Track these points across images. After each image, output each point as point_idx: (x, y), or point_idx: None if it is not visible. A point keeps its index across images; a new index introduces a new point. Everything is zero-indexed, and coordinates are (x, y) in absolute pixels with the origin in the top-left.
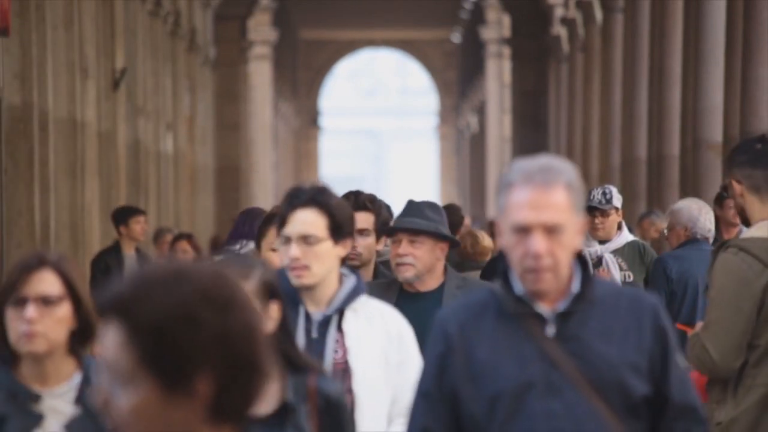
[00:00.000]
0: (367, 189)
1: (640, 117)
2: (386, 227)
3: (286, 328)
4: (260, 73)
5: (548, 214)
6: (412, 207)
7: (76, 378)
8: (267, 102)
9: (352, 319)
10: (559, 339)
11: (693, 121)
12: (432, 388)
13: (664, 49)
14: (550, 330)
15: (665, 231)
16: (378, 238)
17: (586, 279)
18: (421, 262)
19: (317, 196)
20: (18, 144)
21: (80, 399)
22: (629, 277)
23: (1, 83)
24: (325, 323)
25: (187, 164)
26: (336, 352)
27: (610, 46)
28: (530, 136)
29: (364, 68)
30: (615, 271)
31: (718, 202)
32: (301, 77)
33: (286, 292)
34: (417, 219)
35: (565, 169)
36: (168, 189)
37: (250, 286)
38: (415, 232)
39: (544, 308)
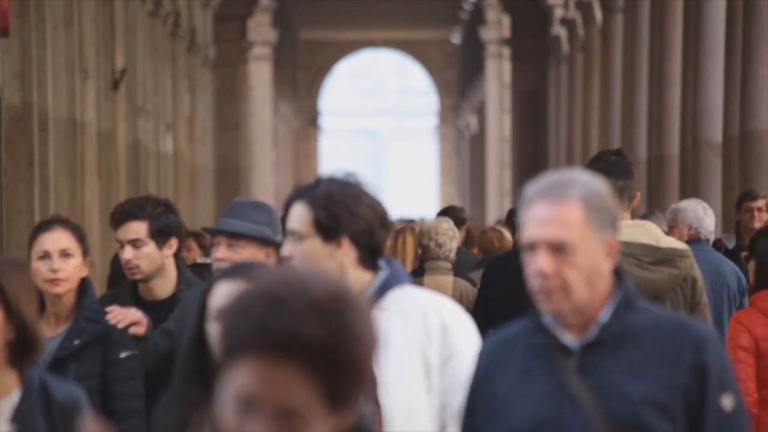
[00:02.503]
0: (367, 189)
1: (639, 117)
2: (208, 229)
3: None
4: (260, 74)
5: (554, 230)
6: (234, 207)
7: (15, 395)
8: (267, 102)
9: (381, 319)
10: (582, 372)
11: (693, 121)
12: (464, 420)
13: (664, 49)
14: (573, 362)
15: (665, 229)
16: (162, 245)
17: (622, 306)
18: None
19: (304, 191)
20: (18, 144)
21: (17, 418)
22: None
23: (0, 83)
24: None
25: (187, 164)
26: None
27: (609, 47)
28: (530, 137)
29: (364, 68)
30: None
31: (739, 206)
32: (300, 77)
33: None
34: (237, 220)
35: (586, 183)
36: (168, 189)
37: None
38: (233, 236)
39: (570, 338)
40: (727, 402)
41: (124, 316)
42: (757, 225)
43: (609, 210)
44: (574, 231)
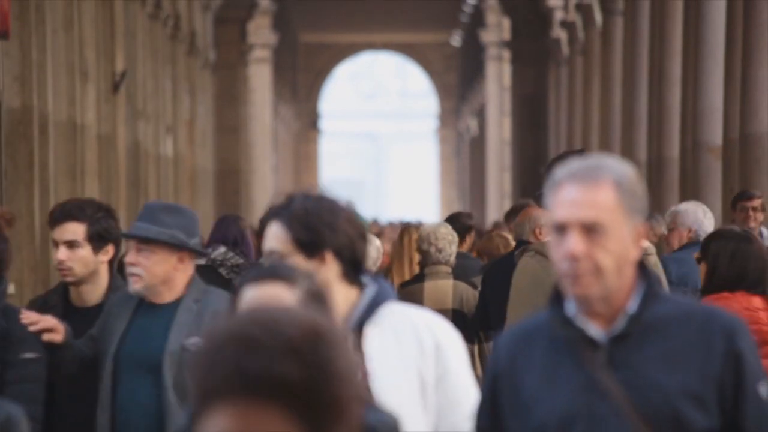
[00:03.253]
0: (367, 192)
1: (639, 119)
2: (123, 234)
3: None
4: (260, 76)
5: (587, 211)
6: (145, 211)
7: None
8: (267, 105)
9: (374, 336)
10: (611, 365)
11: (693, 123)
12: (484, 418)
13: (664, 51)
14: (602, 355)
15: (665, 231)
16: (98, 250)
17: (648, 297)
18: (151, 272)
19: (278, 210)
20: (18, 146)
21: None
22: None
23: (0, 86)
24: None
25: (187, 167)
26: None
27: (609, 49)
28: (530, 139)
29: (364, 71)
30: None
31: (734, 205)
32: (300, 80)
33: None
34: (148, 224)
35: (617, 168)
36: (168, 192)
37: (294, 296)
38: (143, 240)
39: (596, 330)
40: (763, 389)
41: (37, 320)
42: (753, 225)
43: (640, 196)
44: (607, 213)
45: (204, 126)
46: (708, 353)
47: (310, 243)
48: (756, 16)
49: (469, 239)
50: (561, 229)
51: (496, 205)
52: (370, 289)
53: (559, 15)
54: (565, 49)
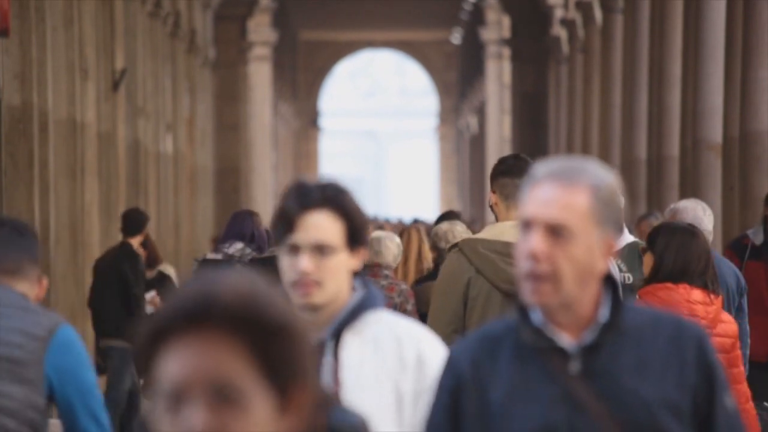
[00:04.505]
0: (367, 190)
1: (639, 118)
2: None
3: None
4: (260, 74)
5: (555, 211)
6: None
7: None
8: (267, 103)
9: (352, 344)
10: (586, 376)
11: (693, 121)
12: (441, 430)
13: (664, 49)
14: (575, 366)
15: None
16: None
17: (616, 306)
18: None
19: (333, 195)
20: (18, 144)
21: None
22: (629, 278)
23: (1, 84)
24: (318, 351)
25: (187, 165)
26: (331, 386)
27: (609, 47)
28: (530, 137)
29: (364, 69)
30: (614, 273)
31: None
32: (300, 78)
33: None
34: None
35: (598, 174)
36: (168, 190)
37: None
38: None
39: (567, 340)
40: (729, 400)
41: None
42: None
43: (616, 208)
44: (577, 218)
45: (204, 124)
46: (682, 363)
47: (359, 238)
48: (756, 15)
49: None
50: (527, 226)
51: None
52: (357, 294)
53: (559, 13)
54: (565, 47)
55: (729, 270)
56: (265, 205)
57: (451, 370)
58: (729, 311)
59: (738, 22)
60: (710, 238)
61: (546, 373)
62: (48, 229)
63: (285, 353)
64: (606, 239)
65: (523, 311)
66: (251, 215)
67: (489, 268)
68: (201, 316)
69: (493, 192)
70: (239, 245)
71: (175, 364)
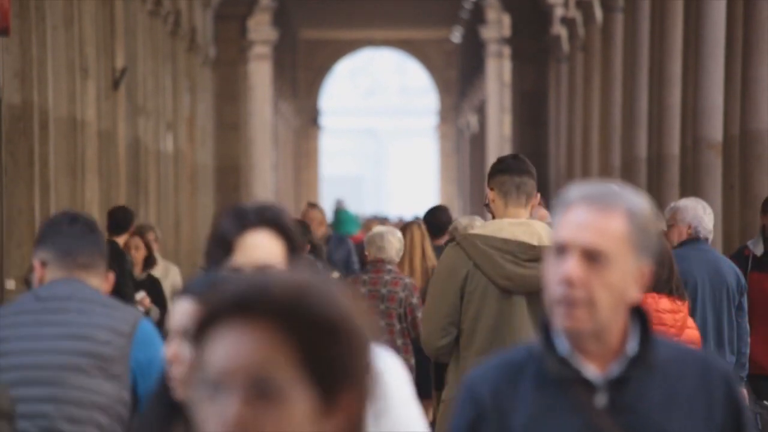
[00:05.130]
0: (367, 188)
1: (640, 116)
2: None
3: None
4: (260, 73)
5: (592, 236)
6: None
7: None
8: (267, 101)
9: None
10: (612, 410)
11: (693, 120)
12: None
13: (664, 48)
14: (601, 399)
15: (665, 227)
16: None
17: (645, 339)
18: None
19: (271, 216)
20: (18, 143)
21: None
22: None
23: (1, 82)
24: None
25: (187, 164)
26: None
27: (610, 46)
28: (530, 136)
29: (364, 68)
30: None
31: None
32: (301, 77)
33: None
34: None
35: (633, 200)
36: (168, 188)
37: None
38: None
39: (593, 372)
40: None
41: None
42: None
43: (651, 235)
44: (614, 243)
45: (204, 123)
46: (710, 402)
47: (297, 257)
48: (756, 13)
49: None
50: (561, 250)
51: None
52: None
53: (559, 12)
54: (565, 46)
55: (729, 269)
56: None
57: (470, 397)
58: (730, 310)
59: (738, 20)
60: (710, 237)
61: (570, 404)
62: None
63: (333, 353)
64: (640, 267)
65: (548, 338)
66: None
67: (487, 263)
68: (250, 307)
69: (491, 189)
70: None
71: (219, 351)
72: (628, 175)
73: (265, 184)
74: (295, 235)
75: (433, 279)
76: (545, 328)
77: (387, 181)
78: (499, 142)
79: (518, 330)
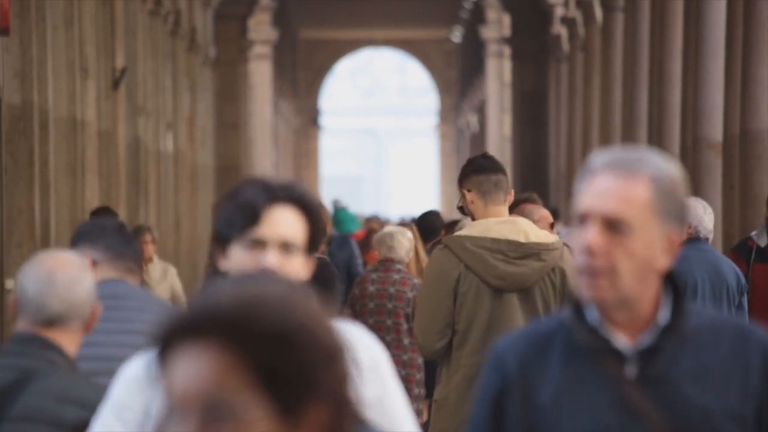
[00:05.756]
0: (368, 188)
1: (640, 116)
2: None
3: None
4: (260, 73)
5: (613, 204)
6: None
7: None
8: (267, 101)
9: None
10: (642, 381)
11: (693, 120)
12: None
13: (664, 48)
14: (631, 370)
15: None
16: None
17: (678, 308)
18: None
19: (300, 195)
20: (18, 143)
21: None
22: None
23: (1, 82)
24: None
25: (187, 163)
26: None
27: (610, 46)
28: (530, 136)
29: (364, 68)
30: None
31: None
32: (301, 76)
33: None
34: None
35: (660, 164)
36: (168, 188)
37: None
38: None
39: (624, 342)
40: None
41: None
42: None
43: (679, 201)
44: (636, 211)
45: (204, 122)
46: (747, 371)
47: (315, 246)
48: (756, 13)
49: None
50: (583, 219)
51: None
52: None
53: (559, 11)
54: (565, 46)
55: (729, 269)
56: None
57: (496, 368)
58: (729, 310)
59: (738, 20)
60: (711, 237)
61: (599, 375)
62: (48, 228)
63: (290, 366)
64: (668, 234)
65: (578, 309)
66: None
67: (478, 264)
68: (199, 328)
69: (468, 191)
70: None
71: (174, 377)
72: None
73: None
74: (320, 217)
75: (425, 282)
76: (576, 299)
77: (387, 181)
78: (499, 142)
79: (511, 327)
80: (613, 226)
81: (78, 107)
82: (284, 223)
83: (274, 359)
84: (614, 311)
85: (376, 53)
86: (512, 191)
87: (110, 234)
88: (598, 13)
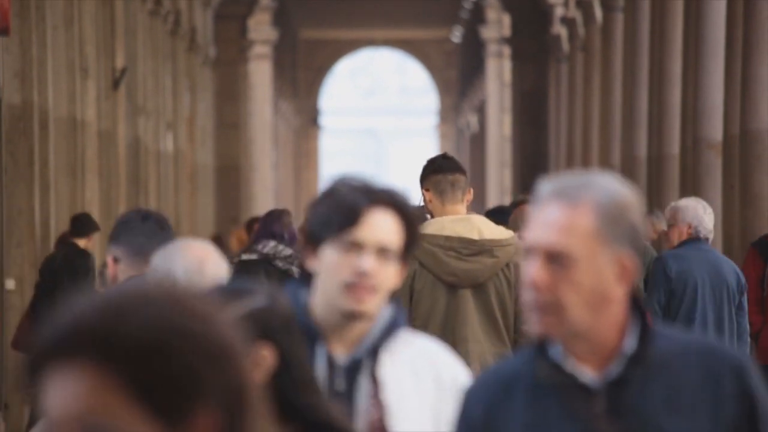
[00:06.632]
0: None
1: (640, 116)
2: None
3: (292, 374)
4: (260, 73)
5: (553, 237)
6: None
7: None
8: (267, 101)
9: (390, 365)
10: (612, 414)
11: (693, 120)
12: None
13: (664, 48)
14: (600, 403)
15: (665, 227)
16: None
17: (645, 335)
18: None
19: (400, 200)
20: (18, 143)
21: None
22: None
23: (1, 82)
24: (353, 370)
25: (187, 163)
26: (370, 410)
27: (610, 46)
28: (530, 136)
29: (364, 67)
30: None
31: None
32: (301, 76)
33: (301, 326)
34: None
35: (605, 188)
36: (168, 188)
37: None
38: None
39: (590, 375)
40: None
41: None
42: None
43: (629, 224)
44: (579, 241)
45: (204, 122)
46: (719, 396)
47: (410, 252)
48: (756, 13)
49: None
50: (528, 253)
51: (496, 202)
52: (387, 310)
53: (559, 11)
54: (565, 46)
55: (729, 268)
56: (265, 203)
57: (463, 415)
58: (730, 309)
59: (738, 19)
60: (711, 237)
61: (566, 411)
62: (48, 227)
63: (168, 373)
64: (619, 259)
65: (541, 344)
66: (282, 215)
67: (432, 261)
68: (63, 350)
69: (427, 190)
70: (272, 243)
71: (49, 402)
72: (628, 175)
73: (265, 184)
74: (418, 225)
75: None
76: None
77: (387, 182)
78: (499, 142)
79: (467, 322)
80: (555, 259)
81: (78, 107)
82: (383, 227)
83: (148, 370)
84: (573, 344)
85: (376, 53)
86: (471, 190)
87: (133, 229)
88: (598, 13)
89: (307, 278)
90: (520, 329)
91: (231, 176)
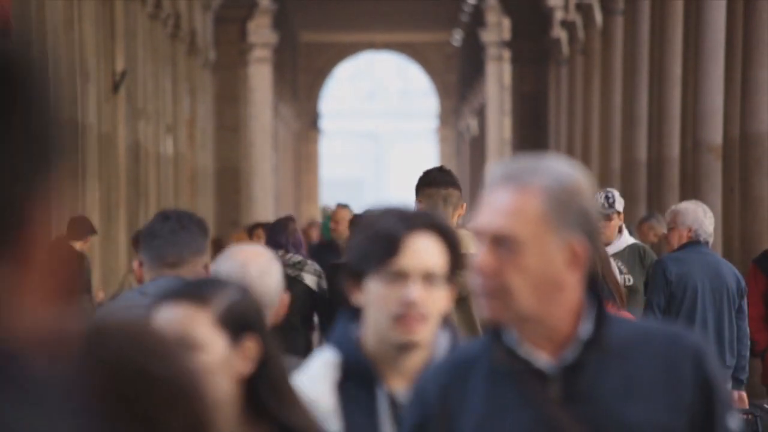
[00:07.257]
0: (368, 191)
1: (640, 119)
2: None
3: (269, 372)
4: (260, 76)
5: (499, 221)
6: None
7: None
8: (267, 104)
9: None
10: (567, 400)
11: (693, 123)
12: None
13: (664, 51)
14: (555, 389)
15: (666, 230)
16: None
17: (601, 320)
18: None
19: (438, 220)
20: None
21: None
22: (629, 280)
23: None
24: None
25: (187, 166)
26: None
27: (610, 49)
28: (530, 139)
29: (365, 71)
30: (615, 274)
31: None
32: (301, 80)
33: (353, 363)
34: None
35: (555, 172)
36: (168, 191)
37: (206, 318)
38: None
39: (545, 360)
40: (732, 421)
41: None
42: None
43: (579, 208)
44: (526, 225)
45: (204, 125)
46: (676, 381)
47: (457, 272)
48: (756, 16)
49: None
50: (476, 238)
51: None
52: (444, 336)
53: (559, 14)
54: (565, 49)
55: (729, 272)
56: (265, 206)
57: (417, 399)
58: (730, 312)
59: (738, 22)
60: (711, 240)
61: (522, 397)
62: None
63: (124, 418)
64: (569, 244)
65: (496, 330)
66: (287, 223)
67: None
68: None
69: (420, 202)
70: (279, 252)
71: None
72: (628, 177)
73: (265, 187)
74: (459, 244)
75: None
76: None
77: (387, 185)
78: (499, 145)
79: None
80: (501, 243)
81: (78, 110)
82: (425, 252)
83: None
84: (524, 329)
85: (377, 56)
86: (464, 205)
87: (154, 232)
88: (598, 16)
89: (355, 314)
90: None
91: (231, 179)
